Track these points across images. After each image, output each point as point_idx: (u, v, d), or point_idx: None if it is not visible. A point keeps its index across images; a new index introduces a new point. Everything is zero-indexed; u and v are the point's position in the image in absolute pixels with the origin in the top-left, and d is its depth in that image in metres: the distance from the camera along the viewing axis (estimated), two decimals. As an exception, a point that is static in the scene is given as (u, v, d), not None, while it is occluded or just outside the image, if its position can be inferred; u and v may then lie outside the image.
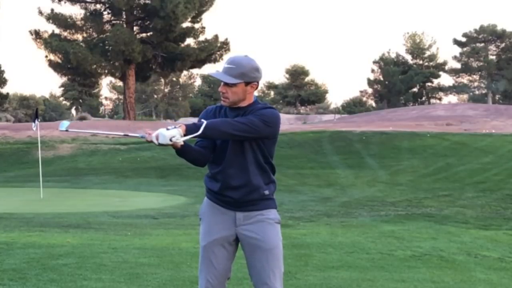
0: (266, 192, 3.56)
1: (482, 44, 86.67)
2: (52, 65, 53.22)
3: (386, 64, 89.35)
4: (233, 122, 3.39)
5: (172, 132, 3.23)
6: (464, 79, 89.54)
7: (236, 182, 3.49)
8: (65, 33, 53.63)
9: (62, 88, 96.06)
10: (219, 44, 53.60)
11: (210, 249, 3.54)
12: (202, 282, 3.57)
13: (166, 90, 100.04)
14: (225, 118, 3.46)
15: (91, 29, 53.75)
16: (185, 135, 3.29)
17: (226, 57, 50.21)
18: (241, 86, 3.46)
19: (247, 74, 3.46)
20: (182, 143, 3.29)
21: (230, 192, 3.51)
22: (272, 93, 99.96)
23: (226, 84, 3.46)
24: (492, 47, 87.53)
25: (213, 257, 3.53)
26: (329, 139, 31.35)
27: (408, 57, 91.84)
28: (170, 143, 3.24)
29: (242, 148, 3.49)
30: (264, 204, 3.56)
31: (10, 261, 6.56)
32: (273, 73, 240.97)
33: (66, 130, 3.55)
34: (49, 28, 62.38)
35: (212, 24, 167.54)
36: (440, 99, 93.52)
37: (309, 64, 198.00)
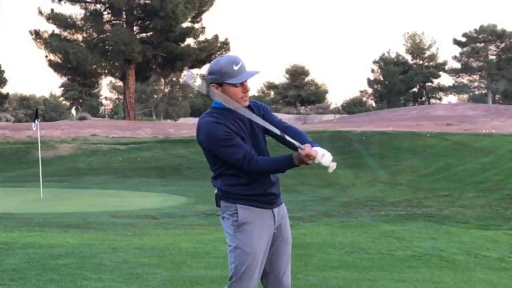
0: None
1: (482, 44, 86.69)
2: (52, 65, 53.27)
3: (386, 64, 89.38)
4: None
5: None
6: (464, 79, 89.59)
7: (274, 177, 3.53)
8: (65, 33, 53.69)
9: (62, 88, 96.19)
10: (219, 44, 53.67)
11: (261, 255, 3.42)
12: None
13: (166, 90, 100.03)
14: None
15: (91, 29, 53.81)
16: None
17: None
18: None
19: None
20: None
21: (272, 189, 3.49)
22: (272, 93, 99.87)
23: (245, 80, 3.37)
24: (492, 47, 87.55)
25: (260, 262, 3.42)
26: (329, 139, 31.28)
27: (408, 57, 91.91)
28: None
29: (265, 143, 3.55)
30: (281, 198, 3.63)
31: (10, 261, 6.55)
32: (273, 73, 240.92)
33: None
34: (49, 28, 62.41)
35: (212, 24, 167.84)
36: (440, 99, 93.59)
37: (309, 64, 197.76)
